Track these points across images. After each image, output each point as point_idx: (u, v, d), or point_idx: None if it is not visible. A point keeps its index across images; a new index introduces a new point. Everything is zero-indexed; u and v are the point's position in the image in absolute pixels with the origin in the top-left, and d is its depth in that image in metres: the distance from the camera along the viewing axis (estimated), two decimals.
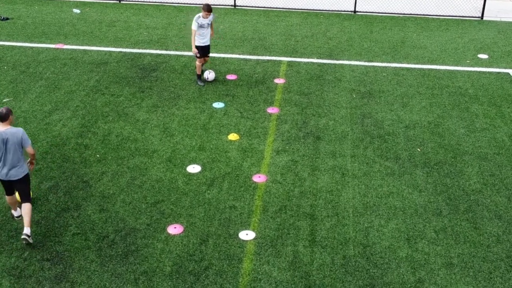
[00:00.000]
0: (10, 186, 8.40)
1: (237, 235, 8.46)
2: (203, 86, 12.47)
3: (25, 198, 8.32)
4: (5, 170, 8.15)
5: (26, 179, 8.29)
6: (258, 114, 11.51)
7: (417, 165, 10.04)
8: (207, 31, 12.28)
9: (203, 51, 12.42)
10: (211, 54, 14.04)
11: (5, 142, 8.04)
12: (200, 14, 12.04)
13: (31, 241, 8.15)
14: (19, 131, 8.12)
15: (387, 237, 8.46)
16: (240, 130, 10.99)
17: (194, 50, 12.28)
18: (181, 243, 8.30)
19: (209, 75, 12.65)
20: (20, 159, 8.17)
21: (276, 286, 7.62)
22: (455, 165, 10.06)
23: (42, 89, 12.35)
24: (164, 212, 8.87)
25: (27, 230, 8.11)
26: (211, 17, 12.16)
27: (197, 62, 12.48)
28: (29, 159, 8.49)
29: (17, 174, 8.19)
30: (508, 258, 8.12)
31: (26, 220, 8.17)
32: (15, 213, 8.74)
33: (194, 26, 12.08)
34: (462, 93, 12.47)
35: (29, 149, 8.29)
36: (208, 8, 11.92)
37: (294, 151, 10.37)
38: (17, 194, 8.63)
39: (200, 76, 12.64)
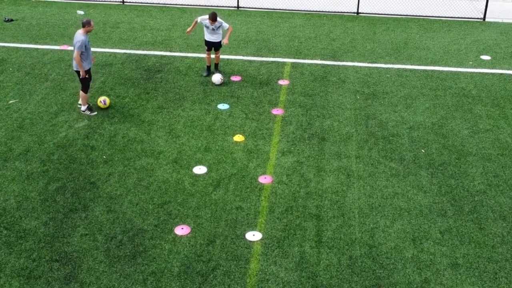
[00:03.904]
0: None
1: (244, 235, 8.53)
2: (205, 76, 13.09)
3: (80, 85, 11.54)
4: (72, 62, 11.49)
5: (78, 73, 11.28)
6: (263, 116, 11.59)
7: (422, 166, 10.12)
8: (216, 32, 12.69)
9: (211, 45, 12.90)
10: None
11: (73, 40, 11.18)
12: (207, 17, 12.47)
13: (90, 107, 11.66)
14: (77, 37, 10.94)
15: (392, 237, 8.53)
16: (245, 131, 11.07)
17: (191, 27, 13.00)
18: (189, 243, 8.37)
19: (218, 80, 12.78)
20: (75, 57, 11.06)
21: (284, 287, 7.69)
22: (459, 166, 10.14)
23: (48, 91, 12.42)
24: (171, 213, 8.95)
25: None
26: (217, 23, 12.49)
27: (207, 54, 13.06)
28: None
29: (75, 66, 11.23)
30: None
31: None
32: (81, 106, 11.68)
33: (198, 19, 12.65)
34: (465, 94, 12.54)
35: (74, 53, 10.98)
36: (212, 17, 12.31)
37: (299, 152, 10.44)
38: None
39: (208, 68, 13.15)
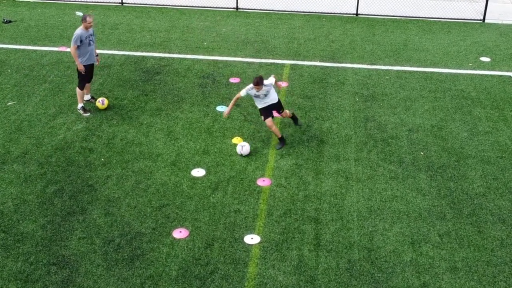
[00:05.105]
0: None
1: (242, 239, 8.50)
2: (278, 149, 10.53)
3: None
4: None
5: (76, 69, 11.44)
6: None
7: (421, 168, 10.09)
8: (264, 99, 10.34)
9: (271, 110, 10.48)
10: (217, 57, 14.10)
11: None
12: (252, 86, 10.17)
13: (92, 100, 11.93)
14: (75, 31, 11.13)
15: (391, 241, 8.51)
16: (244, 133, 11.03)
17: (229, 110, 10.53)
18: (187, 247, 8.34)
19: (243, 149, 10.36)
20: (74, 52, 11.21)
21: None
22: (459, 169, 10.11)
23: (46, 92, 12.39)
24: (169, 216, 8.92)
25: (86, 97, 11.92)
26: (266, 87, 10.20)
27: (267, 123, 10.46)
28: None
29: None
30: None
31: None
32: (85, 97, 11.80)
33: (242, 93, 10.36)
34: (465, 96, 12.51)
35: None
36: (255, 81, 10.02)
37: (298, 155, 10.41)
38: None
39: (282, 139, 10.64)
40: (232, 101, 10.47)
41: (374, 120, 11.54)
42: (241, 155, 10.34)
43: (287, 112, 10.90)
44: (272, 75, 10.87)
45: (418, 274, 7.95)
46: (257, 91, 10.18)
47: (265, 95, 10.27)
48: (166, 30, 15.85)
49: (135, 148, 10.56)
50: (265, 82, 10.22)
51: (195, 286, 7.71)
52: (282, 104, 10.76)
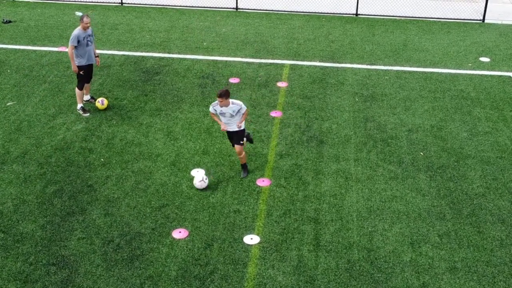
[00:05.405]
0: None
1: (242, 239, 8.50)
2: (242, 177, 9.78)
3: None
4: None
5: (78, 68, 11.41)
6: (261, 118, 11.55)
7: (420, 169, 10.09)
8: (231, 120, 9.49)
9: (232, 138, 9.79)
10: (216, 58, 14.10)
11: None
12: (217, 101, 9.31)
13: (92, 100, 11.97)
14: (73, 32, 11.20)
15: (391, 241, 8.51)
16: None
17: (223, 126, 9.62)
18: (186, 247, 8.34)
19: (197, 184, 9.52)
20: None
21: None
22: (458, 169, 10.11)
23: (46, 93, 12.39)
24: (169, 216, 8.92)
25: (86, 97, 11.95)
26: (234, 106, 9.30)
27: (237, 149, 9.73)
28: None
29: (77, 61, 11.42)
30: (511, 262, 8.16)
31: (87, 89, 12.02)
32: (85, 97, 11.86)
33: (210, 109, 9.59)
34: (465, 96, 12.51)
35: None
36: (219, 93, 9.12)
37: (297, 155, 10.41)
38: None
39: (243, 166, 9.87)
40: (214, 118, 9.70)
41: (374, 120, 11.54)
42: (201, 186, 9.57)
43: (240, 152, 9.64)
44: (246, 108, 9.55)
45: (418, 274, 7.95)
46: (221, 106, 9.24)
47: (232, 116, 9.37)
48: (166, 30, 15.85)
49: (134, 148, 10.56)
50: (234, 100, 9.35)
51: (194, 286, 7.71)
52: (244, 137, 9.70)
